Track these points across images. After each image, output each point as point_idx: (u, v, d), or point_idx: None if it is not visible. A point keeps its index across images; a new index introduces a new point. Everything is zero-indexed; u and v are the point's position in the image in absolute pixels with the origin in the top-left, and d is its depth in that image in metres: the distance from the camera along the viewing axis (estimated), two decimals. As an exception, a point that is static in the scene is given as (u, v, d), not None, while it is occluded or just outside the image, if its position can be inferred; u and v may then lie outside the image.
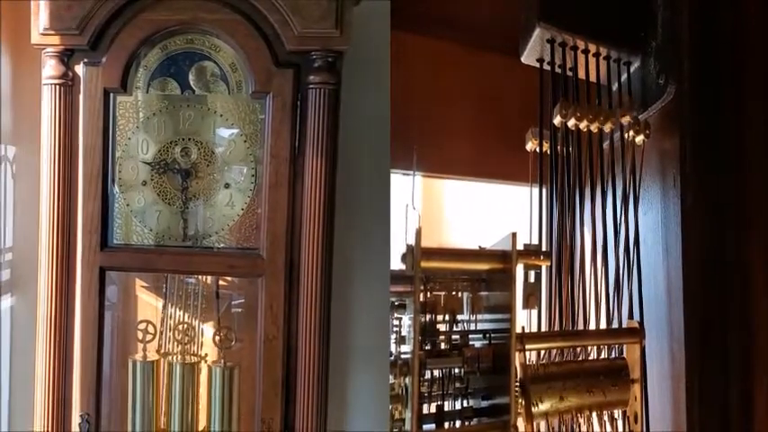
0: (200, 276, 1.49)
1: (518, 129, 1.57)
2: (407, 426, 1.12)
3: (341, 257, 1.43)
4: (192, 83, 1.41)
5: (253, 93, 1.37)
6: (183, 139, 1.41)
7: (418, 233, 1.08)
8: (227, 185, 1.41)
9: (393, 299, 1.19)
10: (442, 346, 1.23)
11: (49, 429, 1.38)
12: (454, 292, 1.23)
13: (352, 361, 1.62)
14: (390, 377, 1.14)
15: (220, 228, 1.41)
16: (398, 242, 1.56)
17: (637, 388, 1.31)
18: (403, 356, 1.15)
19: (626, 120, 1.42)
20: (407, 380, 1.10)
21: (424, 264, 1.10)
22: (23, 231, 1.57)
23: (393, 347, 1.24)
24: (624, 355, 1.35)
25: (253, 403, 1.40)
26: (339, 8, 1.32)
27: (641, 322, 1.35)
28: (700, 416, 1.34)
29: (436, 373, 1.21)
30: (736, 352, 1.40)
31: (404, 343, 1.20)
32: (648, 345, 1.33)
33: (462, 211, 2.31)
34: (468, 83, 2.00)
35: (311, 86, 1.34)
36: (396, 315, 1.22)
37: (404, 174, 1.66)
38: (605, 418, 1.32)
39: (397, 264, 1.17)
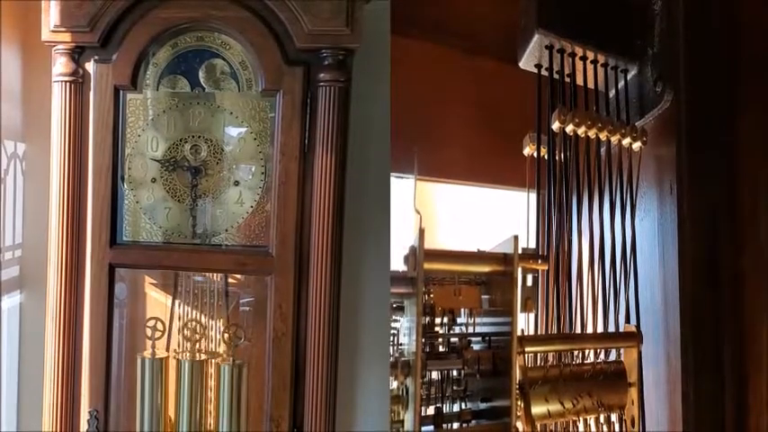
0: (209, 274, 1.49)
1: (515, 134, 1.57)
2: (407, 426, 1.12)
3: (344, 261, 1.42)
4: (202, 80, 1.41)
5: (263, 90, 1.37)
6: (193, 137, 1.41)
7: (421, 234, 1.07)
8: (236, 183, 1.41)
9: (391, 301, 1.19)
10: (441, 348, 1.23)
11: (58, 426, 1.38)
12: (454, 295, 1.23)
13: (361, 362, 1.62)
14: (390, 379, 1.14)
15: (230, 225, 1.41)
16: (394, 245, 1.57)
17: (634, 391, 1.31)
18: (403, 358, 1.15)
19: (626, 140, 1.43)
20: (408, 380, 1.10)
21: (426, 265, 1.10)
22: (33, 228, 1.57)
23: (391, 349, 1.24)
24: (621, 358, 1.36)
25: (262, 401, 1.40)
26: (350, 6, 1.32)
27: (638, 326, 1.35)
28: (695, 419, 1.35)
29: (435, 375, 1.21)
30: (731, 357, 1.41)
31: (402, 344, 1.20)
32: (645, 349, 1.34)
33: (456, 216, 2.31)
34: (465, 88, 2.00)
35: (321, 84, 1.34)
36: (394, 317, 1.22)
37: (397, 177, 1.66)
38: (602, 420, 1.32)
39: (396, 265, 1.17)
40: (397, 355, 1.19)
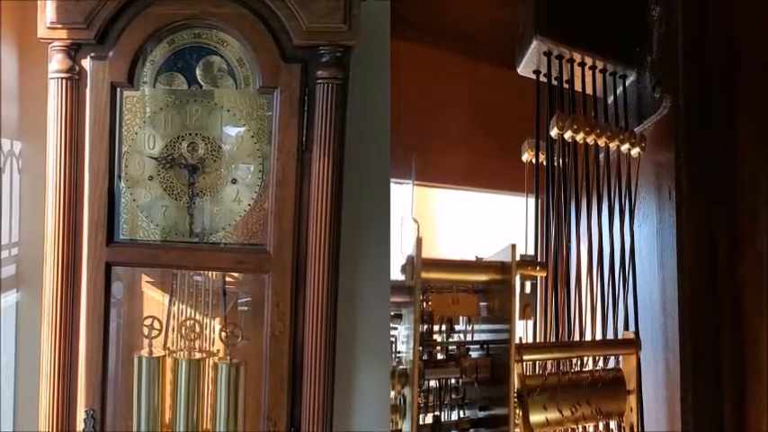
0: (206, 272, 1.48)
1: (513, 139, 1.57)
2: (405, 434, 1.11)
3: (343, 261, 1.41)
4: (199, 78, 1.40)
5: (260, 88, 1.36)
6: (190, 134, 1.40)
7: (419, 243, 1.07)
8: (233, 181, 1.40)
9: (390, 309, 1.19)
10: (439, 356, 1.22)
11: (55, 425, 1.37)
12: (452, 303, 1.22)
13: (358, 361, 1.61)
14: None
15: (227, 223, 1.40)
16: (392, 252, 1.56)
17: (633, 399, 1.31)
18: (400, 367, 1.14)
19: (625, 146, 1.43)
20: (405, 389, 1.09)
21: (424, 274, 1.09)
22: (29, 226, 1.57)
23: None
24: (620, 365, 1.35)
25: (259, 401, 1.39)
26: (347, 3, 1.31)
27: (637, 333, 1.35)
28: (694, 425, 1.36)
29: (433, 383, 1.21)
30: (730, 362, 1.41)
31: (401, 353, 1.19)
32: (643, 356, 1.34)
33: (455, 221, 2.31)
34: (464, 93, 2.00)
35: (319, 81, 1.33)
36: (391, 325, 1.22)
37: (396, 182, 1.66)
38: (601, 428, 1.32)
39: (396, 267, 1.16)
40: (395, 363, 1.18)
